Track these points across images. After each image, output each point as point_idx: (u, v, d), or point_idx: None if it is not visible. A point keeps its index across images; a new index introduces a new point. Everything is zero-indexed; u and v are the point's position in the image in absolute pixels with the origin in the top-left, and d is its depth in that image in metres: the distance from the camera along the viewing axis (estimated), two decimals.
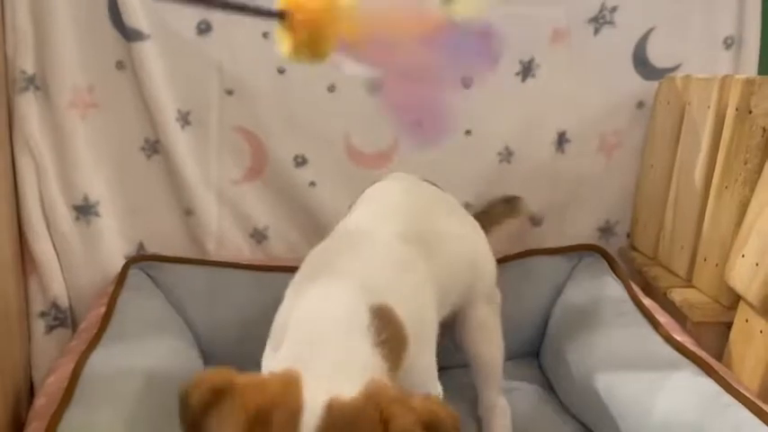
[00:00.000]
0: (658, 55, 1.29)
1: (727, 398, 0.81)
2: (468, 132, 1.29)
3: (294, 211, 1.25)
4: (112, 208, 1.19)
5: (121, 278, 1.09)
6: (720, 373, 0.86)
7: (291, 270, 1.15)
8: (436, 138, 1.27)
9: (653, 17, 1.28)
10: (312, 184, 1.25)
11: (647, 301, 1.08)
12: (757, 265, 0.91)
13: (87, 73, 1.13)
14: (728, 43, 1.30)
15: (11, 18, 1.07)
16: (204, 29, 1.17)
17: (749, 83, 0.98)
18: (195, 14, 1.17)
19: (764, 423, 0.75)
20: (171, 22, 1.16)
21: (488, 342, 0.98)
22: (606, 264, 1.21)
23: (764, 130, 0.97)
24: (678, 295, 1.08)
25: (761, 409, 0.77)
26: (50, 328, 1.15)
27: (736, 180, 1.00)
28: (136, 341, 0.94)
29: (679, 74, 1.26)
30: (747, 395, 0.80)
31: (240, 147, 1.22)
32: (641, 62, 1.30)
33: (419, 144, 1.28)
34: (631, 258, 1.29)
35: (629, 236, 1.35)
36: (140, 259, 1.15)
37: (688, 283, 1.11)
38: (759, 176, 0.96)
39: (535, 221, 1.32)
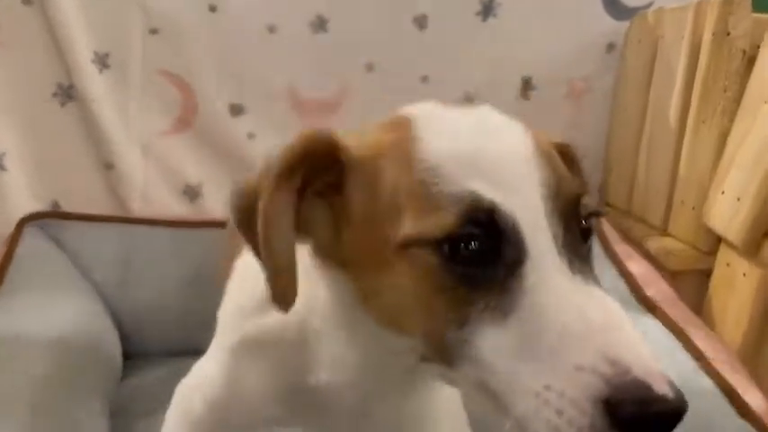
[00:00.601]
0: None
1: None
2: (424, 79, 1.18)
3: (231, 165, 1.13)
4: (21, 161, 1.06)
5: (15, 238, 0.95)
6: (679, 323, 0.77)
7: (221, 226, 1.04)
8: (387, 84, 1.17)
9: None
10: (251, 135, 1.13)
11: (620, 248, 0.97)
12: (739, 200, 0.80)
13: None
14: None
15: None
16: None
17: (726, 3, 0.88)
18: None
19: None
20: None
21: None
22: None
23: (744, 52, 0.87)
24: (654, 243, 0.98)
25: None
26: None
27: (715, 111, 0.89)
28: (31, 308, 0.81)
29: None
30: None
31: (167, 93, 1.10)
32: (611, 2, 1.19)
33: (370, 91, 1.18)
34: (605, 213, 1.18)
35: (599, 191, 1.24)
36: (38, 217, 1.01)
37: (664, 231, 1.01)
38: (739, 105, 0.86)
39: None
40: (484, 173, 0.40)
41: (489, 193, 0.39)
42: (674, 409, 0.34)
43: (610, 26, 1.20)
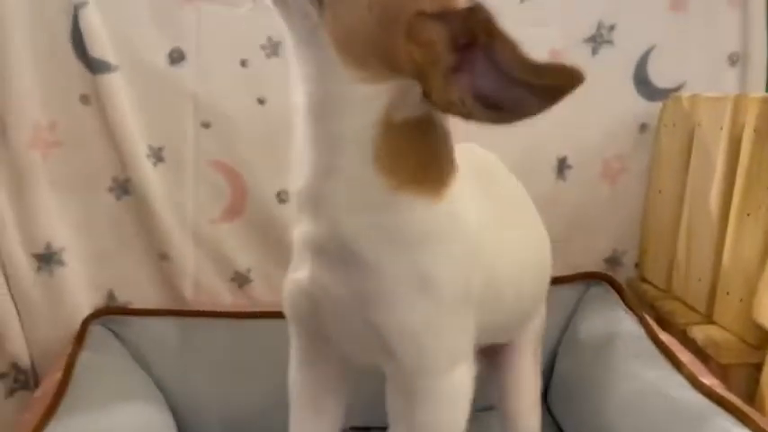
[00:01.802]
0: (660, 74, 1.23)
1: None
2: None
3: (279, 251, 1.15)
4: (78, 255, 1.09)
5: (80, 337, 0.98)
6: (759, 422, 0.77)
7: (275, 316, 1.06)
8: None
9: (653, 35, 1.22)
10: None
11: (665, 337, 0.99)
12: None
13: (49, 109, 1.05)
14: (734, 60, 1.24)
15: None
16: (177, 58, 1.09)
17: (767, 102, 0.91)
18: (166, 43, 1.09)
19: None
20: (140, 52, 1.08)
21: (528, 406, 0.86)
22: (616, 294, 1.12)
23: None
24: (700, 333, 0.99)
25: None
26: (11, 391, 1.05)
27: (760, 207, 0.92)
28: (97, 410, 0.83)
29: (684, 93, 1.20)
30: None
31: (218, 184, 1.13)
32: (643, 82, 1.23)
33: None
34: (642, 291, 1.20)
35: (637, 266, 1.27)
36: (102, 314, 1.04)
37: (708, 318, 1.03)
38: None
39: None
40: None
41: None
42: None
43: (642, 107, 1.23)
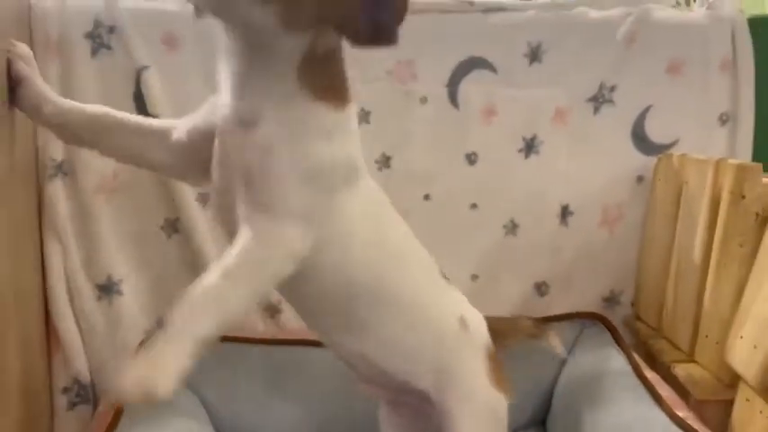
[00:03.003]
0: (656, 131, 1.35)
1: None
2: (473, 206, 1.34)
3: None
4: (134, 286, 1.23)
5: None
6: None
7: (305, 344, 1.20)
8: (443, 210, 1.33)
9: (650, 95, 1.35)
10: None
11: (650, 375, 1.11)
12: (755, 347, 0.94)
13: (112, 159, 1.19)
14: (724, 120, 1.36)
15: None
16: None
17: (741, 169, 1.03)
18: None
19: None
20: (194, 110, 1.22)
21: None
22: (609, 334, 1.24)
23: (757, 215, 1.01)
24: (682, 371, 1.10)
25: None
26: (73, 405, 1.19)
27: (732, 262, 1.04)
28: (152, 426, 0.97)
29: (676, 150, 1.32)
30: None
31: None
32: (640, 138, 1.36)
33: (426, 217, 1.35)
34: (636, 329, 1.32)
35: (633, 305, 1.38)
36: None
37: (691, 357, 1.14)
38: (755, 259, 1.00)
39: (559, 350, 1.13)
40: None
41: None
42: None
43: (639, 160, 1.36)
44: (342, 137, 0.74)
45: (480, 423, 0.87)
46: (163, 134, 0.85)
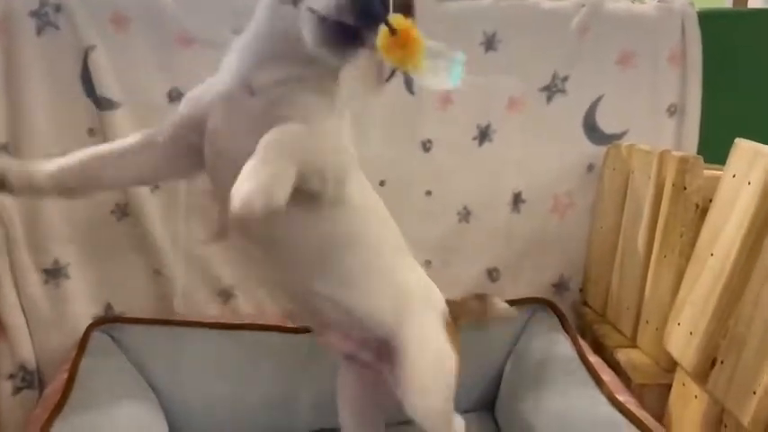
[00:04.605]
0: (607, 121, 1.38)
1: None
2: (428, 193, 1.35)
3: None
4: (82, 270, 1.22)
5: (84, 342, 1.11)
6: None
7: (254, 328, 1.21)
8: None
9: (602, 86, 1.37)
10: None
11: (593, 359, 1.14)
12: (691, 334, 0.98)
13: (60, 140, 1.17)
14: (672, 111, 1.39)
15: None
16: (175, 96, 1.22)
17: (683, 161, 1.06)
18: (166, 82, 1.21)
19: None
20: (142, 91, 1.20)
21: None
22: (557, 319, 1.27)
23: (697, 206, 1.05)
24: (623, 355, 1.14)
25: None
26: (18, 390, 1.17)
27: (673, 250, 1.07)
28: (98, 409, 0.96)
29: (626, 140, 1.35)
30: None
31: (208, 210, 1.26)
32: (591, 128, 1.38)
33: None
34: (583, 314, 1.35)
35: (581, 291, 1.42)
36: (103, 322, 1.17)
37: (633, 343, 1.18)
38: (693, 249, 1.03)
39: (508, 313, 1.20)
40: None
41: None
42: None
43: (590, 149, 1.38)
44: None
45: (429, 367, 0.92)
46: (149, 143, 0.87)
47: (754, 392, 0.82)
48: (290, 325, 1.21)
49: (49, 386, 1.04)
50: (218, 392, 1.16)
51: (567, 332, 1.22)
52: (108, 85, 1.17)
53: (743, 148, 0.94)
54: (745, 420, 0.84)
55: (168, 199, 1.24)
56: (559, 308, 1.28)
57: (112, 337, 1.16)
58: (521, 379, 1.22)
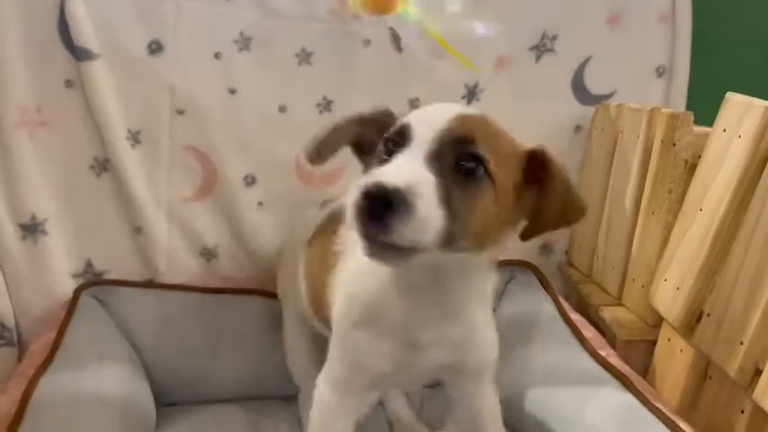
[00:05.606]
0: (595, 82, 1.36)
1: (645, 412, 0.87)
2: None
3: (243, 230, 1.27)
4: (60, 226, 1.19)
5: (73, 304, 1.10)
6: (640, 388, 0.93)
7: (239, 292, 1.19)
8: None
9: (591, 46, 1.35)
10: (260, 204, 1.27)
11: (575, 317, 1.14)
12: (678, 289, 0.98)
13: (35, 92, 1.13)
14: (660, 72, 1.38)
15: None
16: (155, 48, 1.18)
17: (673, 117, 1.05)
18: (146, 34, 1.18)
19: None
20: (121, 42, 1.17)
21: None
22: (538, 281, 1.27)
23: (686, 162, 1.04)
24: (608, 313, 1.14)
25: (675, 424, 0.84)
26: None
27: (661, 207, 1.07)
28: (84, 368, 0.95)
29: (614, 101, 1.34)
30: (663, 410, 0.87)
31: (191, 166, 1.24)
32: (579, 88, 1.37)
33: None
34: (568, 275, 1.36)
35: (566, 253, 1.42)
36: (92, 284, 1.16)
37: (618, 301, 1.18)
38: (681, 205, 1.03)
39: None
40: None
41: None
42: (381, 185, 0.56)
43: (578, 110, 1.37)
44: None
45: None
46: None
47: (742, 343, 0.83)
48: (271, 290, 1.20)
49: (35, 343, 1.03)
50: (201, 355, 1.15)
51: (548, 292, 1.22)
52: (86, 35, 1.13)
53: (734, 101, 0.93)
54: (732, 371, 0.84)
55: (150, 154, 1.21)
56: (539, 269, 1.28)
57: (99, 300, 1.15)
58: (503, 339, 1.21)
